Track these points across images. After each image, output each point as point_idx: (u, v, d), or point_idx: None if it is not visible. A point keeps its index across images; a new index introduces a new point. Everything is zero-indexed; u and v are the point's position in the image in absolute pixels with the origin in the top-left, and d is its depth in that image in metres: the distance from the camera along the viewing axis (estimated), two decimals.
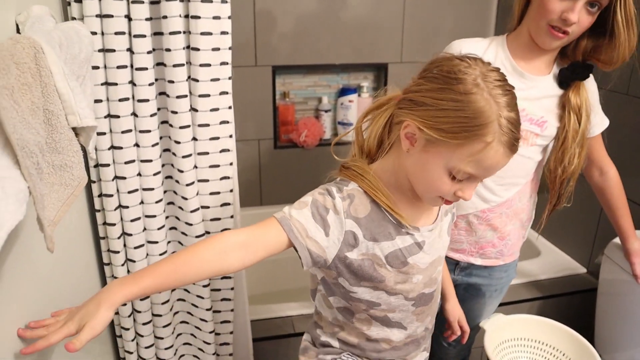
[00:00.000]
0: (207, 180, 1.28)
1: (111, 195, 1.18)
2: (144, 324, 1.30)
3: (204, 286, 1.33)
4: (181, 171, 1.23)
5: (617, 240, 1.47)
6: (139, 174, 1.20)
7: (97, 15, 1.06)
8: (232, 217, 1.34)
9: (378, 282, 0.91)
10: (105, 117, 1.13)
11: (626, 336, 1.47)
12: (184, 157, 1.22)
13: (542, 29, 1.09)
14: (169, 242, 1.33)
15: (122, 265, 1.25)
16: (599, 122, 1.23)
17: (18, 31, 0.84)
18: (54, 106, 0.68)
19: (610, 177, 1.30)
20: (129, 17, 1.09)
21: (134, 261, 1.25)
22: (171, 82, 1.16)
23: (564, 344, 1.41)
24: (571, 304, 1.81)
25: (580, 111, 1.16)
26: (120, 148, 1.15)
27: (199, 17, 1.14)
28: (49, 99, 0.67)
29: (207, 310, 1.35)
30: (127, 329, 1.29)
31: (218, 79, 1.21)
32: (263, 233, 0.83)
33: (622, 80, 1.48)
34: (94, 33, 1.06)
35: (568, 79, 1.17)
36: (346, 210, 0.85)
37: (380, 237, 0.87)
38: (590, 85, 1.19)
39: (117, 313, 1.29)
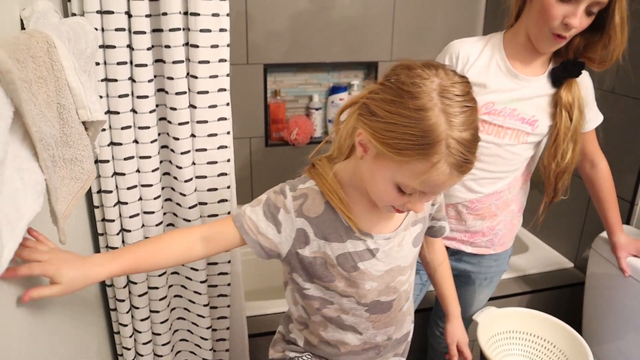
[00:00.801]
0: (204, 177, 1.29)
1: (110, 192, 1.18)
2: (141, 320, 1.31)
3: (201, 282, 1.33)
4: (179, 167, 1.23)
5: (604, 234, 1.50)
6: (138, 171, 1.21)
7: (97, 12, 1.06)
8: (229, 213, 1.35)
9: (328, 282, 0.92)
10: (105, 113, 1.13)
11: (613, 328, 1.51)
12: (182, 153, 1.22)
13: (544, 34, 1.11)
14: None
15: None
16: (593, 117, 1.26)
17: (22, 26, 0.84)
18: (66, 100, 0.69)
19: (601, 170, 1.34)
20: (128, 14, 1.10)
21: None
22: (170, 78, 1.16)
23: (555, 336, 1.44)
24: (560, 297, 1.85)
25: (571, 108, 1.18)
26: (120, 144, 1.15)
27: (198, 14, 1.14)
28: (61, 93, 0.67)
29: (205, 306, 1.36)
30: (125, 325, 1.29)
31: (216, 76, 1.22)
32: (221, 229, 0.90)
33: (609, 79, 1.52)
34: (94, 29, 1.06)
35: (560, 77, 1.19)
36: (297, 210, 0.87)
37: (331, 238, 0.88)
38: (584, 82, 1.21)
39: (114, 309, 1.29)
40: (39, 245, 0.73)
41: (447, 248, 1.35)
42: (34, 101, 0.57)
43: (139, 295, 1.28)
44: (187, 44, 1.18)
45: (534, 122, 1.20)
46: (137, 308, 1.29)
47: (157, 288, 1.31)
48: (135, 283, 1.27)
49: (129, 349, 1.32)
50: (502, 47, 1.20)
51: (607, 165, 1.34)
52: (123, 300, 1.27)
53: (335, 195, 0.87)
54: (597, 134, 1.30)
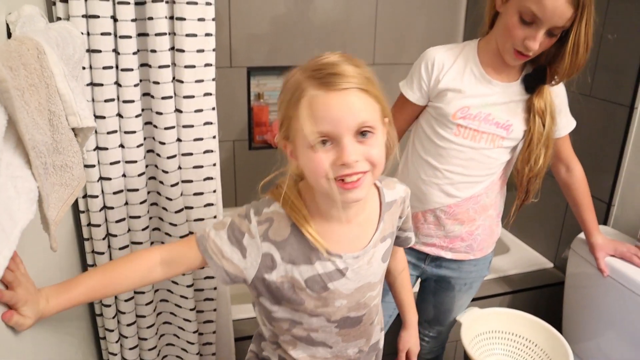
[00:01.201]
0: (190, 181, 1.29)
1: (96, 196, 1.17)
2: (128, 325, 1.30)
3: (188, 286, 1.33)
4: (166, 172, 1.23)
5: (582, 235, 1.54)
6: (124, 175, 1.20)
7: (83, 16, 1.06)
8: (215, 217, 1.35)
9: (298, 305, 0.89)
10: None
11: (592, 327, 1.55)
12: (168, 157, 1.22)
13: (507, 50, 1.15)
14: (152, 242, 1.33)
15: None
16: (565, 124, 1.29)
17: (8, 30, 0.83)
18: (56, 107, 0.69)
19: (576, 174, 1.37)
20: (114, 18, 1.09)
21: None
22: (156, 83, 1.16)
23: (536, 335, 1.47)
24: (540, 297, 1.88)
25: (544, 114, 1.21)
26: (106, 149, 1.15)
27: (184, 19, 1.14)
28: (51, 100, 0.67)
29: (191, 310, 1.36)
30: (111, 331, 1.28)
31: (202, 80, 1.22)
32: (183, 251, 0.88)
33: (585, 81, 1.56)
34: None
35: (531, 83, 1.22)
36: (262, 234, 0.85)
37: (299, 261, 0.86)
38: (556, 89, 1.24)
39: (100, 314, 1.29)
40: (18, 271, 0.71)
41: (427, 255, 1.37)
42: (27, 109, 0.57)
43: (125, 300, 1.28)
44: (172, 48, 1.18)
45: (509, 127, 1.23)
46: (123, 313, 1.29)
47: (143, 293, 1.31)
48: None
49: (115, 355, 1.32)
50: (476, 55, 1.23)
51: (581, 169, 1.37)
52: (109, 306, 1.26)
53: (301, 216, 0.85)
54: (570, 139, 1.34)
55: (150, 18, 1.12)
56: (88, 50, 1.08)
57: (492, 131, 1.23)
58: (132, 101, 1.16)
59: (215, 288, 1.40)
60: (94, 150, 1.15)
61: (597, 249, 1.47)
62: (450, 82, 1.22)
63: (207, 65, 1.22)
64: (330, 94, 0.74)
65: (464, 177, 1.26)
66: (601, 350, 1.53)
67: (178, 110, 1.22)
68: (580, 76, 1.18)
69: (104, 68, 1.10)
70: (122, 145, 1.18)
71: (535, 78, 1.21)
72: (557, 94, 1.24)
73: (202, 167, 1.29)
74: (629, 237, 1.57)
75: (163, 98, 1.18)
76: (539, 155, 1.23)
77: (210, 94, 1.25)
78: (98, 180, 1.17)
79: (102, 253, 1.22)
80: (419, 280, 1.48)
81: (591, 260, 1.51)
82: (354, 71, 0.76)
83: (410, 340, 1.21)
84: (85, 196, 1.18)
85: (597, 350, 1.54)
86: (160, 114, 1.19)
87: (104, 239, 1.21)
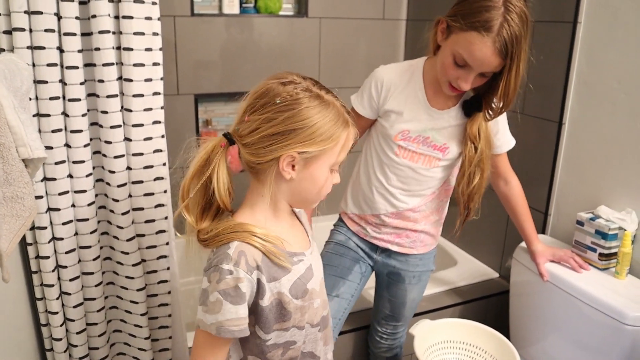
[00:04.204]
0: (142, 209, 1.29)
1: (45, 228, 1.16)
2: (77, 333, 1.28)
3: (142, 315, 1.32)
4: (116, 200, 1.23)
5: (523, 244, 1.62)
6: (73, 205, 1.20)
7: (27, 47, 1.06)
8: (167, 244, 1.35)
9: (288, 320, 0.91)
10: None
11: (537, 331, 1.62)
12: (119, 186, 1.22)
13: (443, 82, 1.22)
14: (103, 272, 1.31)
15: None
16: (504, 142, 1.37)
17: None
18: (5, 138, 0.69)
19: (514, 187, 1.46)
20: (60, 49, 1.10)
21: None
22: (105, 112, 1.18)
23: (486, 342, 1.53)
24: (488, 306, 1.96)
25: (476, 139, 1.28)
26: (54, 179, 1.14)
27: (131, 49, 1.17)
28: (0, 132, 0.68)
29: (142, 315, 1.34)
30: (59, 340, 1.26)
31: (151, 109, 1.24)
32: (222, 354, 0.88)
33: (517, 101, 1.65)
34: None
35: (469, 110, 1.29)
36: (247, 269, 0.84)
37: (279, 274, 0.88)
38: None
39: (47, 324, 1.26)
40: None
41: (377, 246, 1.43)
42: None
43: (74, 307, 1.25)
44: (120, 77, 1.19)
45: (445, 149, 1.31)
46: (72, 321, 1.26)
47: (94, 299, 1.29)
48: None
49: None
50: (422, 77, 1.29)
51: (518, 182, 1.46)
52: (56, 313, 1.24)
53: (257, 237, 0.85)
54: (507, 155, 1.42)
55: (97, 49, 1.13)
56: (34, 81, 1.08)
57: (429, 153, 1.30)
58: (80, 131, 1.16)
59: (169, 292, 1.38)
60: (42, 181, 1.14)
61: (537, 256, 1.55)
62: (395, 105, 1.29)
63: (155, 93, 1.24)
64: (324, 104, 0.88)
65: (403, 191, 1.35)
66: (547, 353, 1.60)
67: (127, 139, 1.22)
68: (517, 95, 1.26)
69: (51, 99, 1.10)
70: (70, 175, 1.18)
71: (471, 105, 1.28)
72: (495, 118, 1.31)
73: (153, 194, 1.29)
74: (566, 244, 1.66)
75: (112, 127, 1.18)
76: (473, 176, 1.30)
77: (159, 122, 1.27)
78: (46, 212, 1.16)
79: (52, 285, 1.20)
80: (375, 275, 1.55)
81: (532, 267, 1.59)
82: None
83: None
84: (33, 228, 1.16)
85: (543, 354, 1.62)
86: (110, 142, 1.19)
87: (53, 270, 1.19)
